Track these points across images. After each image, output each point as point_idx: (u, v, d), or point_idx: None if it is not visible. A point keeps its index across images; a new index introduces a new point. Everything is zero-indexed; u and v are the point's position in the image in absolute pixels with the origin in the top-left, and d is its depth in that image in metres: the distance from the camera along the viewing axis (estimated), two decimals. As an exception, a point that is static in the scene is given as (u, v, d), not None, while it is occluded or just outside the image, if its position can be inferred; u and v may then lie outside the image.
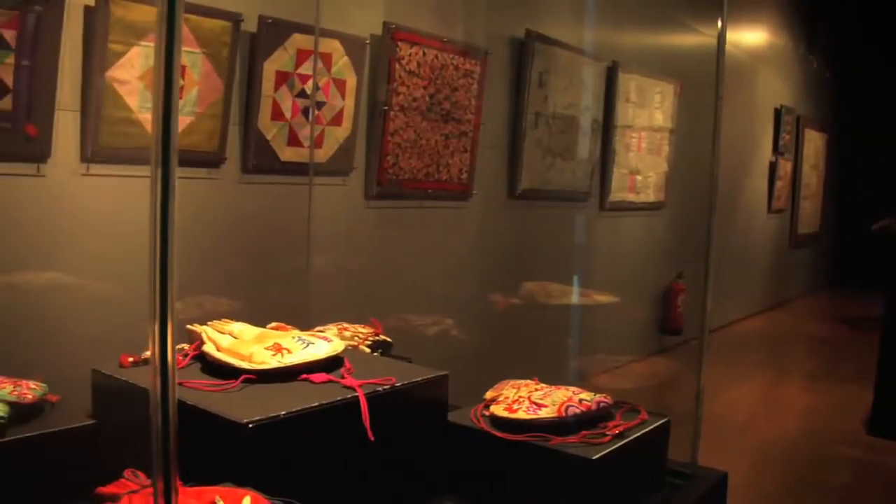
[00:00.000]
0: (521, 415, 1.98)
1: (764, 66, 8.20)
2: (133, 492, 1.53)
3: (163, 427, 1.12)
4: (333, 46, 3.40)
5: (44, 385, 1.94)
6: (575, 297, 5.26)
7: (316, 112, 3.38)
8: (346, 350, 2.10)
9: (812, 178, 10.21)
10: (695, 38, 6.17)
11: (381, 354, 2.50)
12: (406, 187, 3.90)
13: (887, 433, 4.61)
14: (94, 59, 2.58)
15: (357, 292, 3.62)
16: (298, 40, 3.25)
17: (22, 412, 1.82)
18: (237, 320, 2.21)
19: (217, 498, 1.44)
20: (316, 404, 1.74)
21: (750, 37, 7.86)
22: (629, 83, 5.72)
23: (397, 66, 3.71)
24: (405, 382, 1.94)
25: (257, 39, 3.12)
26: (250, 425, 1.60)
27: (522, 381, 2.23)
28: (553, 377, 2.28)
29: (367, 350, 2.50)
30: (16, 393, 1.83)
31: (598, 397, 2.08)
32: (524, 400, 2.04)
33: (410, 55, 3.76)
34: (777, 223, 9.26)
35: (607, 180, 5.65)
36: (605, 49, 5.39)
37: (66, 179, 2.59)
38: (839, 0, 10.18)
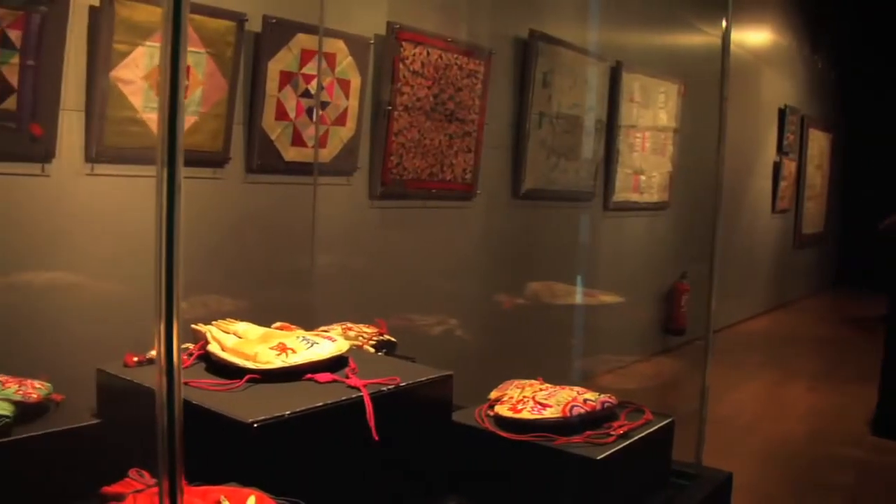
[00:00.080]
0: (526, 415, 1.98)
1: (768, 66, 8.18)
2: (138, 491, 1.54)
3: (168, 427, 1.12)
4: (337, 46, 3.41)
5: (48, 384, 1.94)
6: (579, 297, 5.25)
7: (320, 112, 3.38)
8: (350, 350, 2.10)
9: (816, 178, 10.19)
10: (699, 38, 6.17)
11: (386, 354, 2.50)
12: (410, 187, 3.90)
13: (892, 434, 4.60)
14: (99, 59, 2.59)
15: (361, 292, 3.62)
16: (302, 40, 3.25)
17: (27, 411, 1.82)
18: (242, 320, 2.21)
19: (222, 497, 1.44)
20: (321, 404, 1.73)
21: (754, 36, 7.85)
22: (633, 83, 5.71)
23: (401, 65, 3.71)
24: (409, 382, 1.94)
25: (261, 39, 3.12)
26: (255, 425, 1.60)
27: (527, 381, 2.23)
28: (557, 377, 2.28)
29: (372, 350, 2.50)
30: (21, 392, 1.83)
31: (603, 397, 2.08)
32: (528, 400, 2.04)
33: (414, 55, 3.76)
34: (781, 223, 9.25)
35: (611, 180, 5.64)
36: (609, 49, 5.38)
37: (71, 179, 2.59)
38: (844, 0, 10.16)
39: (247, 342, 2.01)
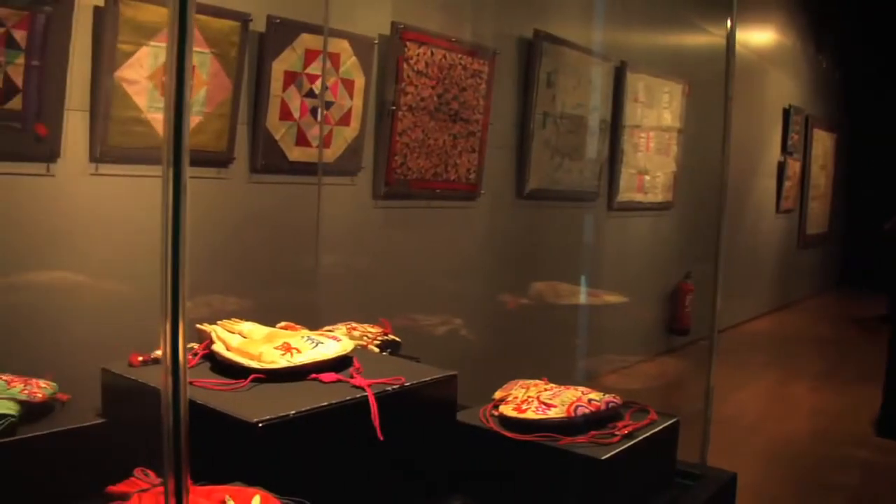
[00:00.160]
0: (530, 415, 1.98)
1: (772, 66, 8.17)
2: (143, 490, 1.54)
3: (174, 426, 1.12)
4: (342, 46, 3.41)
5: (54, 384, 1.94)
6: (583, 297, 5.25)
7: (324, 112, 3.38)
8: (355, 350, 2.10)
9: (821, 178, 10.17)
10: (703, 38, 6.16)
11: (390, 354, 2.50)
12: (414, 187, 3.90)
13: (896, 434, 4.60)
14: (104, 59, 2.59)
15: (365, 292, 3.62)
16: (307, 40, 3.25)
17: (32, 411, 1.82)
18: (246, 319, 2.21)
19: (227, 497, 1.44)
20: (325, 404, 1.73)
21: (758, 36, 7.84)
22: (637, 83, 5.71)
23: (405, 65, 3.71)
24: (414, 382, 1.94)
25: (266, 39, 3.12)
26: (260, 425, 1.60)
27: (531, 381, 2.23)
28: (562, 377, 2.28)
29: (376, 350, 2.50)
30: (26, 392, 1.83)
31: (608, 397, 2.08)
32: (533, 400, 2.04)
33: (419, 55, 3.76)
34: (785, 223, 9.23)
35: (615, 180, 5.64)
36: (614, 49, 5.38)
37: (76, 179, 2.60)
38: (848, 0, 10.15)
39: (251, 342, 2.01)
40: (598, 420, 2.00)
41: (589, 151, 5.23)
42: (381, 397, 1.82)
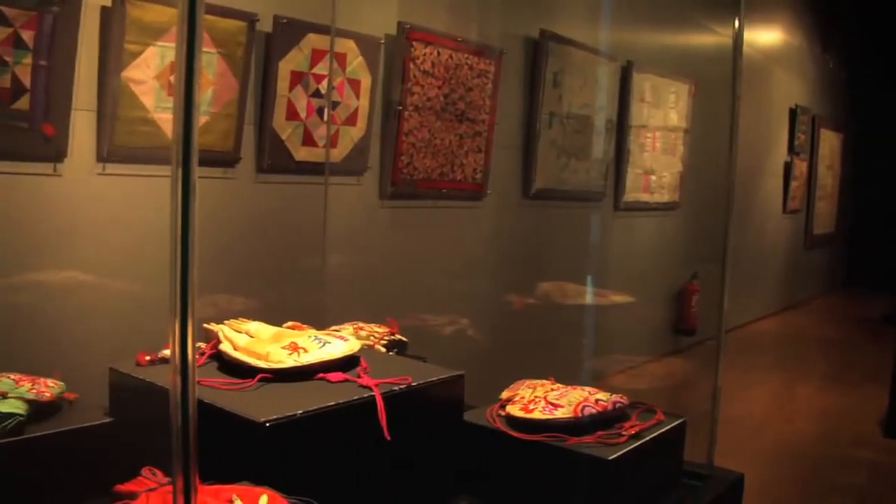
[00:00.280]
0: (537, 415, 1.98)
1: (779, 66, 8.16)
2: (151, 489, 1.54)
3: (182, 425, 1.12)
4: (348, 46, 3.41)
5: (61, 383, 1.95)
6: (590, 297, 5.25)
7: (331, 112, 3.38)
8: (362, 349, 2.10)
9: (827, 178, 10.15)
10: (709, 38, 6.15)
11: (397, 354, 2.50)
12: (420, 187, 3.90)
13: (903, 435, 4.59)
14: (111, 59, 2.59)
15: (372, 292, 3.62)
16: (313, 40, 3.25)
17: (40, 410, 1.83)
18: (253, 319, 2.21)
19: (234, 496, 1.44)
20: (332, 404, 1.74)
21: (765, 36, 7.82)
22: (644, 83, 5.70)
23: (412, 65, 3.71)
24: (421, 382, 1.94)
25: (272, 39, 3.13)
26: (267, 424, 1.60)
27: (538, 381, 2.23)
28: (569, 377, 2.28)
29: (383, 349, 2.50)
30: (34, 391, 1.84)
31: (614, 397, 2.07)
32: (540, 400, 2.04)
33: (425, 55, 3.76)
34: (792, 223, 9.21)
35: (622, 180, 5.63)
36: (620, 49, 5.37)
37: (83, 179, 2.60)
38: (855, 0, 10.12)
39: (259, 341, 2.01)
40: (605, 420, 2.00)
41: (595, 151, 5.22)
42: (388, 397, 1.82)
